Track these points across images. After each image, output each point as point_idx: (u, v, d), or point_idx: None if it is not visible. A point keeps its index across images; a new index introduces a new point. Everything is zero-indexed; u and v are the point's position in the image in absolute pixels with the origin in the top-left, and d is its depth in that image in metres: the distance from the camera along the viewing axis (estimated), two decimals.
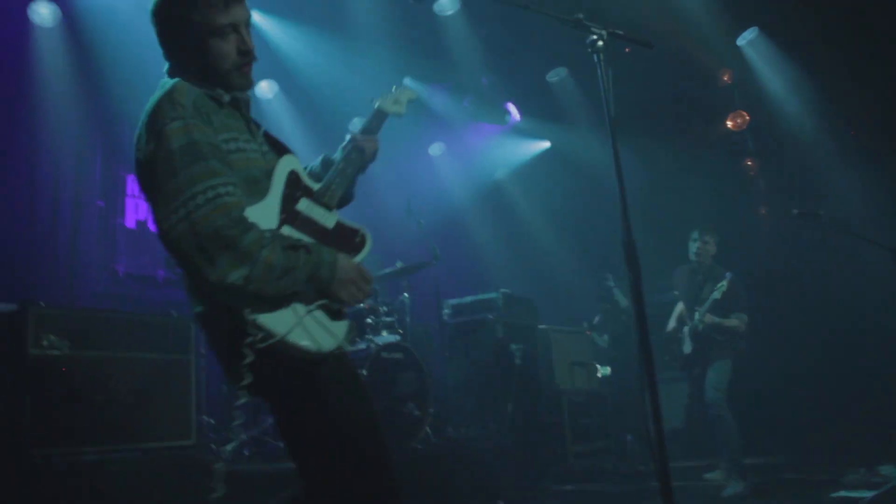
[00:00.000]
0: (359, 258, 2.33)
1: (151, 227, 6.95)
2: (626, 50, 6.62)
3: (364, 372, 5.42)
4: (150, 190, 2.12)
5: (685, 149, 8.69)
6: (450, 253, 7.42)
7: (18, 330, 4.14)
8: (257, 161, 2.31)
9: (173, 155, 2.06)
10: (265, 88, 8.35)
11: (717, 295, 5.97)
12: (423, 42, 7.96)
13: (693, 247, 6.34)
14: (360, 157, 2.58)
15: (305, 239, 2.22)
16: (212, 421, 5.45)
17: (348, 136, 2.60)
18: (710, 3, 7.46)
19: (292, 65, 7.90)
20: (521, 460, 6.21)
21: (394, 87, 2.82)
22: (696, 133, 8.89)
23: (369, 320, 6.10)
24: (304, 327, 2.12)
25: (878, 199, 7.31)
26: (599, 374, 7.96)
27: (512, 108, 9.64)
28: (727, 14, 7.61)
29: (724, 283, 5.95)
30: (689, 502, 5.53)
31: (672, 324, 6.45)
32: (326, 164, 2.61)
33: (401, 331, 6.28)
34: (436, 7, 7.67)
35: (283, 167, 2.33)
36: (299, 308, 2.14)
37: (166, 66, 2.34)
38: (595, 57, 2.29)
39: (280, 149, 2.44)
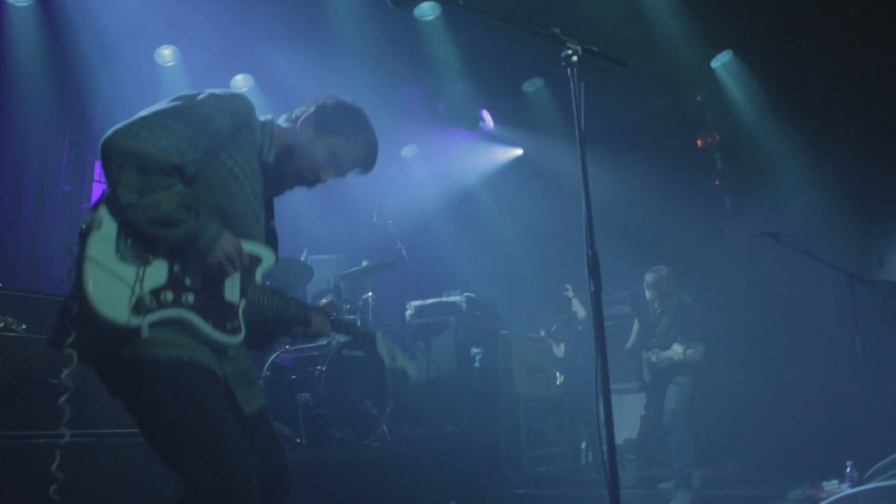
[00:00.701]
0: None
1: None
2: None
3: (323, 368, 5.44)
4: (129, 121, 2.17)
5: (655, 164, 8.82)
6: (416, 254, 7.46)
7: None
8: (241, 198, 2.38)
9: (172, 103, 2.22)
10: (240, 82, 8.31)
11: (674, 356, 6.05)
12: (402, 45, 7.98)
13: (648, 294, 6.44)
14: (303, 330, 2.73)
15: None
16: None
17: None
18: (687, 25, 7.58)
19: (270, 62, 7.87)
20: (477, 462, 6.26)
21: (406, 355, 3.04)
22: (667, 150, 9.02)
23: (331, 317, 6.09)
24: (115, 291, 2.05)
25: (840, 224, 7.49)
26: (558, 382, 8.04)
27: (486, 115, 9.71)
28: (703, 37, 7.75)
29: (682, 350, 6.05)
30: None
31: (631, 341, 6.54)
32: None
33: (363, 330, 6.27)
34: (416, 12, 7.70)
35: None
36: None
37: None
38: (569, 71, 2.34)
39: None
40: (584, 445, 7.61)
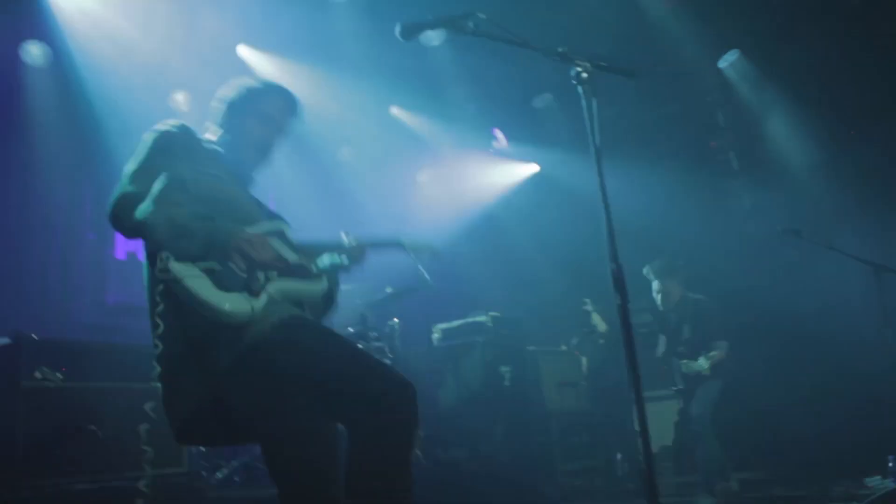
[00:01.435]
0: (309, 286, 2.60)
1: (140, 257, 6.99)
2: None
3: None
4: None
5: (670, 169, 8.81)
6: (439, 277, 7.47)
7: (11, 362, 4.17)
8: (231, 192, 2.63)
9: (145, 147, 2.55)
10: None
11: (704, 367, 6.05)
12: (410, 71, 8.06)
13: (657, 299, 6.47)
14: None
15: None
16: (202, 448, 5.46)
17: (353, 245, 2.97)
18: (690, 27, 7.60)
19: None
20: (512, 481, 6.24)
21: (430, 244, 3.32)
22: (681, 154, 9.00)
23: (359, 345, 6.13)
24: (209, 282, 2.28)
25: (861, 215, 7.44)
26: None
27: (499, 134, 9.75)
28: (708, 38, 7.76)
29: (710, 358, 6.04)
30: None
31: (661, 348, 6.52)
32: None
33: (391, 355, 6.31)
34: (422, 38, 7.77)
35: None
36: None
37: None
38: (579, 88, 2.37)
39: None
40: (619, 456, 7.55)
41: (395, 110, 8.95)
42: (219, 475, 5.25)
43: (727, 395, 6.11)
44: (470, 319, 7.53)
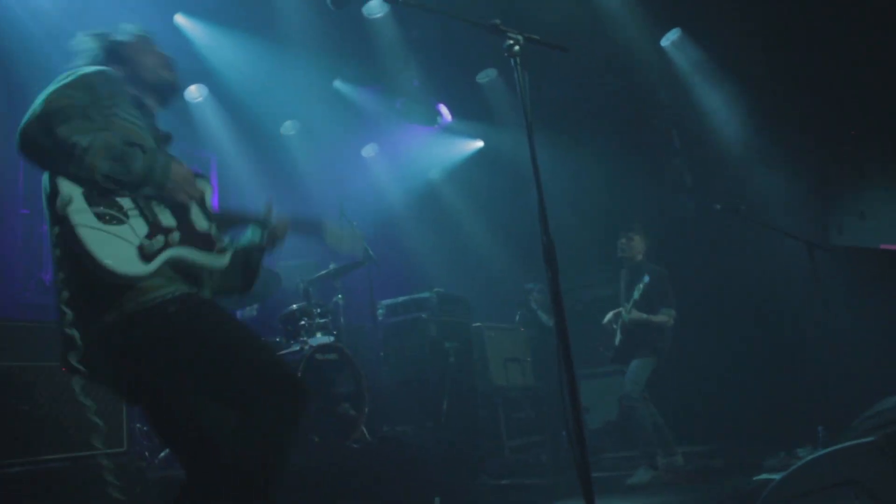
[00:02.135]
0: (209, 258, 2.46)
1: None
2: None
3: (298, 373, 5.42)
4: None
5: (613, 147, 8.90)
6: (383, 254, 7.46)
7: None
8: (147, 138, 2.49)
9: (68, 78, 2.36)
10: (194, 92, 8.26)
11: (636, 295, 6.21)
12: (354, 44, 7.96)
13: (618, 245, 6.58)
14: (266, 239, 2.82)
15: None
16: (144, 428, 5.38)
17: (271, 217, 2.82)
18: (633, 5, 7.65)
19: (221, 68, 7.82)
20: (458, 456, 6.28)
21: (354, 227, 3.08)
22: (624, 131, 9.09)
23: (303, 322, 6.10)
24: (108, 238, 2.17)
25: (796, 194, 7.62)
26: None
27: (443, 109, 9.72)
28: (650, 16, 7.83)
29: (642, 284, 6.18)
30: (610, 492, 5.70)
31: (609, 316, 6.61)
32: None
33: (335, 332, 6.29)
34: (364, 10, 7.68)
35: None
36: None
37: None
38: (512, 61, 2.36)
39: None
40: (564, 433, 7.65)
41: (338, 84, 8.84)
42: (162, 455, 5.18)
43: (664, 371, 6.24)
44: (414, 296, 7.54)
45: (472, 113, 9.72)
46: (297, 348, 5.79)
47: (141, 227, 2.25)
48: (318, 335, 6.05)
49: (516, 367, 7.73)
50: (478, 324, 7.61)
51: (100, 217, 2.16)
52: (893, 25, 6.85)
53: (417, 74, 8.68)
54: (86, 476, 4.03)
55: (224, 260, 2.49)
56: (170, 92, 2.75)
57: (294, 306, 6.26)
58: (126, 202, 2.26)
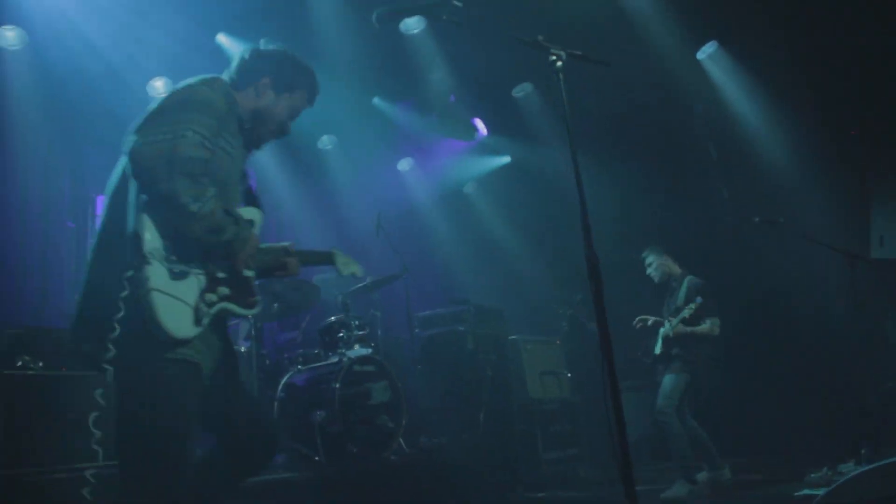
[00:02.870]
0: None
1: None
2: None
3: (337, 385, 5.48)
4: (140, 126, 2.31)
5: (650, 160, 8.86)
6: (420, 266, 7.51)
7: None
8: (232, 170, 2.60)
9: (173, 99, 2.41)
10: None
11: (686, 313, 6.16)
12: (391, 60, 8.04)
13: (650, 271, 6.63)
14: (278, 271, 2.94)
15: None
16: None
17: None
18: (668, 19, 7.64)
19: None
20: (495, 469, 6.29)
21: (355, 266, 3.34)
22: (660, 144, 9.05)
23: (341, 334, 6.15)
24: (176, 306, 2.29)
25: (834, 206, 7.53)
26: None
27: (479, 123, 9.76)
28: (686, 29, 7.81)
29: (694, 304, 6.13)
30: None
31: (651, 320, 6.55)
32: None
33: (373, 344, 6.34)
34: (402, 26, 7.77)
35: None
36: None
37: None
38: (555, 76, 2.40)
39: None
40: (612, 444, 7.58)
41: (377, 101, 8.94)
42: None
43: (698, 386, 6.20)
44: (451, 308, 7.56)
45: (508, 127, 9.76)
46: (336, 360, 5.85)
47: (200, 282, 2.38)
48: (357, 347, 6.10)
49: (553, 380, 7.71)
50: (514, 336, 7.61)
51: (171, 273, 2.28)
52: None
53: (454, 89, 8.74)
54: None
55: (256, 309, 2.61)
56: (275, 137, 2.85)
57: (332, 318, 6.33)
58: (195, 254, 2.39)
